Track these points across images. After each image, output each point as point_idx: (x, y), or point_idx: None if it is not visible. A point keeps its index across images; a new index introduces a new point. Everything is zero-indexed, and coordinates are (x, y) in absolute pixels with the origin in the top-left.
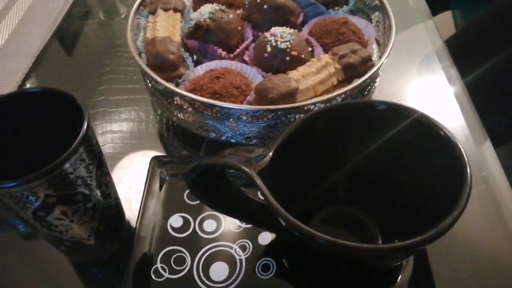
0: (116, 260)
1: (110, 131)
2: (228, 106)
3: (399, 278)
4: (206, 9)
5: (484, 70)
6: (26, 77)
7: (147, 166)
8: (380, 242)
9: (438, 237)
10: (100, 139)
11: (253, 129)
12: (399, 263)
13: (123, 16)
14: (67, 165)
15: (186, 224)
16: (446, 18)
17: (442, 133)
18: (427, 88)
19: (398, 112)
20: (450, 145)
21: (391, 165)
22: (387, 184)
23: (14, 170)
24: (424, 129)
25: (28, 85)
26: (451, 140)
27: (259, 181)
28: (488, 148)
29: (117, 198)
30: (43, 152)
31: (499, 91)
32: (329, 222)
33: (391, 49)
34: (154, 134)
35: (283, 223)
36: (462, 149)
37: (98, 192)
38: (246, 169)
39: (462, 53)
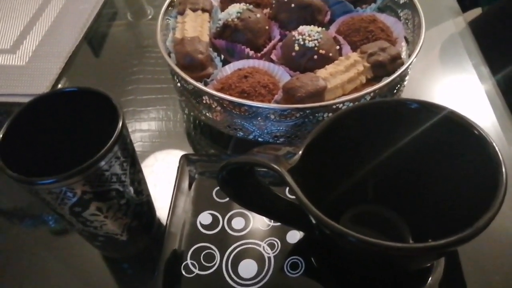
0: (148, 256)
1: (139, 130)
2: (257, 105)
3: (430, 279)
4: (234, 9)
5: None
6: (59, 78)
7: (176, 164)
8: (409, 241)
9: (472, 237)
10: None
11: (281, 128)
12: (429, 264)
13: (150, 17)
14: (102, 162)
15: (215, 221)
16: (476, 14)
17: (475, 131)
18: (458, 86)
19: (429, 110)
20: (484, 144)
21: (422, 164)
22: (418, 184)
23: (52, 167)
24: (456, 128)
25: (60, 85)
26: (485, 139)
27: (289, 179)
28: None
29: (148, 195)
30: (79, 150)
31: None
32: (358, 222)
33: (421, 47)
34: (182, 133)
35: (314, 221)
36: (496, 148)
37: (131, 189)
38: (277, 167)
39: (489, 42)
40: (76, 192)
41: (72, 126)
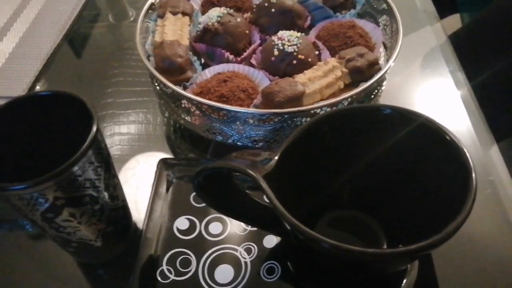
0: (123, 261)
1: (118, 133)
2: (235, 110)
3: (404, 282)
4: (214, 13)
5: (491, 71)
6: (36, 80)
7: (154, 168)
8: (385, 246)
9: (442, 242)
10: (108, 141)
11: (260, 132)
12: (404, 268)
13: (132, 19)
14: (76, 167)
15: (192, 226)
16: (454, 21)
17: (448, 137)
18: (434, 91)
19: (404, 116)
20: (456, 149)
21: (397, 169)
22: (393, 189)
23: (23, 172)
24: (430, 134)
25: (38, 88)
26: (457, 145)
27: (264, 185)
28: (495, 152)
29: (124, 200)
30: (52, 155)
31: (506, 93)
32: (335, 226)
33: (398, 53)
34: (161, 137)
35: (288, 227)
36: (467, 154)
37: (106, 194)
38: (252, 173)
39: (467, 50)
40: (48, 198)
41: (47, 130)
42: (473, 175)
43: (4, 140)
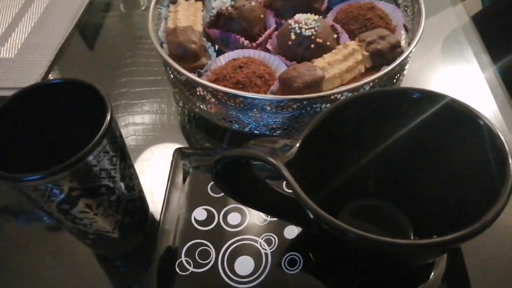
0: (141, 253)
1: (132, 124)
2: (252, 96)
3: (432, 274)
4: None
5: None
6: (49, 70)
7: (170, 158)
8: (412, 237)
9: (479, 232)
10: (123, 132)
11: (277, 120)
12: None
13: (143, 8)
14: (90, 157)
15: (210, 217)
16: (476, 1)
17: (480, 121)
18: (458, 75)
19: (431, 99)
20: (490, 134)
21: (424, 156)
22: (419, 176)
23: (37, 163)
24: (460, 118)
25: (51, 78)
26: (491, 129)
27: (286, 173)
28: None
29: (140, 191)
30: (67, 144)
31: None
32: (358, 216)
33: (421, 35)
34: (176, 126)
35: (311, 216)
36: (503, 139)
37: (122, 184)
38: (273, 161)
39: (491, 31)
40: (63, 189)
41: (59, 120)
42: (510, 160)
43: (17, 130)
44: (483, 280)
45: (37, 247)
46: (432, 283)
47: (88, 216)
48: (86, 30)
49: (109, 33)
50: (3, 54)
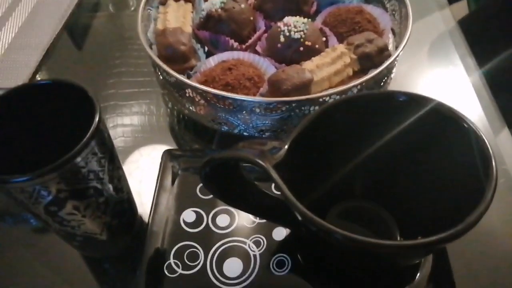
0: (129, 255)
1: (121, 125)
2: (241, 98)
3: (418, 275)
4: None
5: (503, 56)
6: (37, 71)
7: (159, 160)
8: (398, 238)
9: (464, 233)
10: (111, 133)
11: (266, 122)
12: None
13: (132, 8)
14: (79, 159)
15: (199, 219)
16: (462, 6)
17: (465, 124)
18: (444, 78)
19: (418, 102)
20: (474, 137)
21: (411, 158)
22: (405, 178)
23: (25, 164)
24: (445, 120)
25: (38, 78)
26: (475, 132)
27: (275, 175)
28: (507, 141)
29: (129, 193)
30: (54, 146)
31: None
32: (345, 217)
33: (408, 39)
34: (165, 128)
35: (300, 218)
36: (487, 142)
37: (110, 186)
38: (262, 163)
39: (477, 36)
40: (51, 191)
41: (47, 121)
42: (493, 163)
43: (4, 131)
44: (468, 280)
45: (24, 250)
46: (418, 283)
47: (76, 218)
48: (75, 30)
49: (98, 33)
50: None
